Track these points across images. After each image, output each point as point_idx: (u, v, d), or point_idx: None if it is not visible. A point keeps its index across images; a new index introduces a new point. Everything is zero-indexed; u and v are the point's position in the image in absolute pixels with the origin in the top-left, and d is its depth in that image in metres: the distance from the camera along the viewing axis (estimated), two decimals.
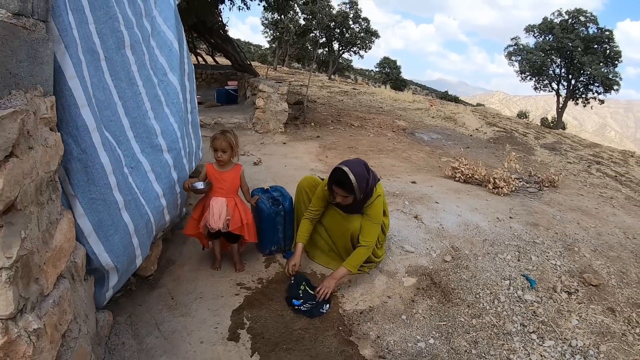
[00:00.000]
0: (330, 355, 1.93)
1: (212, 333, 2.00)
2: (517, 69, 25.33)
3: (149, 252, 2.05)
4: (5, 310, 1.02)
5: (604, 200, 4.80)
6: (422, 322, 2.22)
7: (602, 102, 23.70)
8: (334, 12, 25.49)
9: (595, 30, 23.03)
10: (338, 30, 26.21)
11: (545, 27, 24.10)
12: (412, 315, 2.26)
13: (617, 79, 22.34)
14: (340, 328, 2.13)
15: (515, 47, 25.41)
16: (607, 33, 22.68)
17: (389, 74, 32.28)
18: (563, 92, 24.52)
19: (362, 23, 26.52)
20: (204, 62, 12.93)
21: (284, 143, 6.05)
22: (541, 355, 2.03)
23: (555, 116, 25.28)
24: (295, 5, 19.59)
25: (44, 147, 1.16)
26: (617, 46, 22.65)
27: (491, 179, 4.39)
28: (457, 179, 4.71)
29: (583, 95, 23.94)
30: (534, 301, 2.43)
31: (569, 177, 6.13)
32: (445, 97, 28.88)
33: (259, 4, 10.31)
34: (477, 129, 9.50)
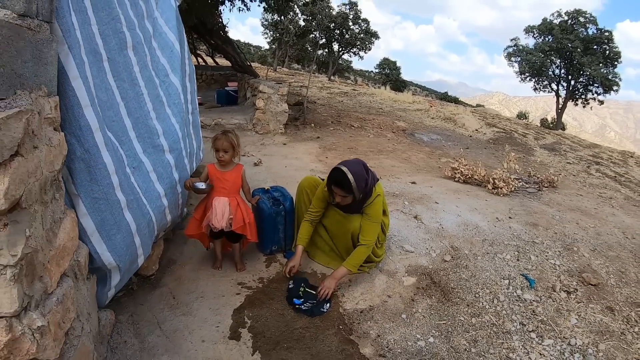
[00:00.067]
0: (330, 354, 1.95)
1: (213, 332, 2.01)
2: (517, 69, 25.40)
3: (150, 252, 2.06)
4: (10, 307, 1.03)
5: (603, 201, 4.82)
6: (422, 321, 2.23)
7: (601, 102, 23.75)
8: (334, 13, 25.55)
9: (595, 31, 23.09)
10: (338, 32, 26.28)
11: (545, 27, 24.15)
12: (412, 314, 2.28)
13: (617, 80, 22.39)
14: (341, 327, 2.14)
15: (515, 48, 25.46)
16: (607, 34, 22.74)
17: (389, 75, 32.35)
18: (563, 93, 24.57)
19: (362, 24, 26.59)
20: (204, 63, 12.95)
21: (284, 144, 6.07)
22: (540, 354, 2.04)
23: (555, 117, 25.32)
24: (295, 6, 19.63)
25: (48, 147, 1.18)
26: (617, 47, 22.70)
27: (490, 180, 4.40)
28: (456, 179, 4.72)
29: (582, 96, 23.99)
30: (533, 300, 2.44)
31: (568, 178, 6.15)
32: (445, 98, 28.93)
33: (259, 5, 10.34)
34: (476, 130, 9.52)
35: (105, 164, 1.52)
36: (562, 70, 24.28)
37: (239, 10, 9.98)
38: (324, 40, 26.65)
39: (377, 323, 2.19)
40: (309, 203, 2.66)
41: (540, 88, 25.44)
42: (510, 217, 3.55)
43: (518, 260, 2.84)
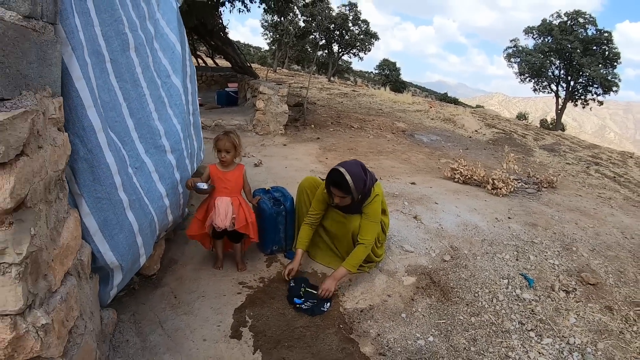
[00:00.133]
0: (331, 353, 1.96)
1: (214, 331, 2.03)
2: (517, 70, 25.45)
3: (152, 252, 2.07)
4: (15, 305, 1.04)
5: (602, 201, 4.84)
6: (421, 320, 2.24)
7: (601, 103, 23.78)
8: (334, 14, 25.59)
9: (594, 32, 23.13)
10: (338, 33, 26.33)
11: (544, 28, 24.20)
12: (411, 314, 2.29)
13: (616, 81, 22.43)
14: (341, 326, 2.16)
15: (515, 48, 25.51)
16: (606, 34, 22.78)
17: (389, 75, 32.39)
18: (562, 94, 24.60)
19: (362, 25, 26.65)
20: (204, 64, 12.98)
21: (284, 145, 6.08)
22: (539, 353, 2.05)
23: (555, 118, 25.35)
24: (295, 7, 19.68)
25: (52, 147, 1.19)
26: (616, 47, 22.75)
27: (490, 180, 4.41)
28: (456, 180, 4.74)
29: (582, 97, 24.03)
30: (532, 300, 2.45)
31: (567, 178, 6.16)
32: (444, 98, 28.97)
33: (259, 7, 10.37)
34: (476, 131, 9.54)
35: (108, 164, 1.54)
36: (562, 71, 24.33)
37: (239, 11, 10.02)
38: (323, 41, 26.70)
39: (377, 322, 2.21)
40: (309, 203, 2.67)
41: (539, 89, 25.49)
42: (509, 218, 3.56)
43: (517, 260, 2.86)
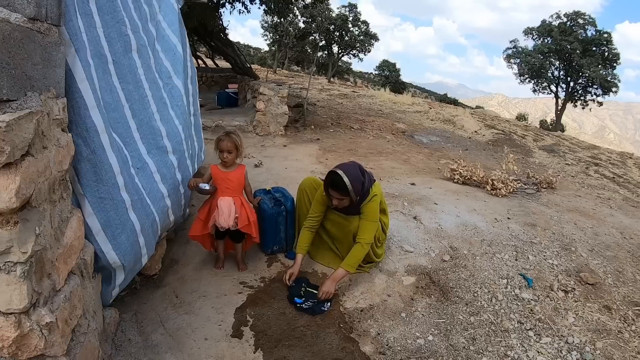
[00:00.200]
0: (331, 352, 1.97)
1: (216, 330, 2.04)
2: (516, 71, 25.49)
3: (154, 252, 2.09)
4: (19, 304, 1.06)
5: (601, 201, 4.85)
6: (421, 320, 2.26)
7: (600, 104, 23.81)
8: (334, 15, 25.63)
9: (594, 33, 23.18)
10: (337, 33, 26.36)
11: (544, 29, 24.24)
12: (411, 313, 2.30)
13: (616, 81, 22.46)
14: (341, 325, 2.17)
15: (514, 49, 25.56)
16: (606, 35, 22.84)
17: (389, 76, 32.39)
18: (562, 95, 24.64)
19: (362, 26, 26.69)
20: (204, 65, 13.00)
21: (285, 145, 6.10)
22: (538, 352, 2.07)
23: (554, 118, 25.38)
24: (295, 8, 19.71)
25: (57, 147, 1.21)
26: (616, 48, 22.79)
27: (489, 181, 4.43)
28: (455, 180, 4.75)
29: (582, 98, 24.06)
30: (531, 299, 2.47)
31: (567, 179, 6.18)
32: (444, 99, 29.00)
33: (259, 8, 10.40)
34: (475, 132, 9.55)
35: (111, 165, 1.55)
36: (561, 72, 24.37)
37: (239, 12, 10.06)
38: (323, 42, 26.74)
39: (377, 321, 2.22)
40: (310, 203, 2.68)
41: (539, 90, 25.52)
42: (508, 218, 3.58)
43: (516, 260, 2.87)
